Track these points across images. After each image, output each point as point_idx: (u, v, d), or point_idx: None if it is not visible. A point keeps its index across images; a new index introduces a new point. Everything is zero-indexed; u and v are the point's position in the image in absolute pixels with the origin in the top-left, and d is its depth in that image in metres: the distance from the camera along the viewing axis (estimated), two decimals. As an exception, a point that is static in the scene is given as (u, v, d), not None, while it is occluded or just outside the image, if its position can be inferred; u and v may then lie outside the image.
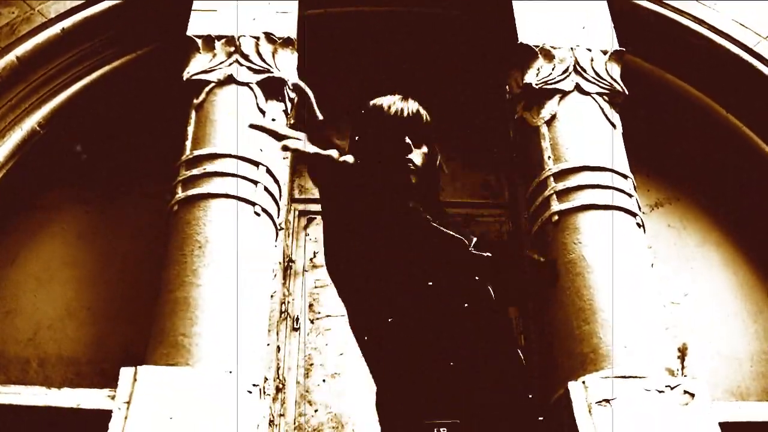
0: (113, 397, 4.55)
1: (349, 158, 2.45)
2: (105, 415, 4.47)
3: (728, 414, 4.90)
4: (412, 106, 2.65)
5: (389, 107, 2.64)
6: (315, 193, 6.23)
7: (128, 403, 4.44)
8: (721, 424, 4.53)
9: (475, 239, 2.56)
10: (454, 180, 6.57)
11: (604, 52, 5.95)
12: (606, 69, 5.89)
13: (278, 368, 5.57)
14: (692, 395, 4.55)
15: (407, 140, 2.57)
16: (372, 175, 2.56)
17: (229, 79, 5.62)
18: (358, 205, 2.46)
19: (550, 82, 5.79)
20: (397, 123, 2.60)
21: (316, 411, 5.60)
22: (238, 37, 5.76)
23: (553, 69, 5.84)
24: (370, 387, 2.31)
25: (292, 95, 5.84)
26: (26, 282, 5.93)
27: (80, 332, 5.73)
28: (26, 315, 5.80)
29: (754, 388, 5.90)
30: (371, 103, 2.72)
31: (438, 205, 2.72)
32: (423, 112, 2.67)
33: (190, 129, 5.51)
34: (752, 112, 6.44)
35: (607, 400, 4.48)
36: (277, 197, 5.50)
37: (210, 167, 5.24)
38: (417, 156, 2.59)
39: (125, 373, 4.59)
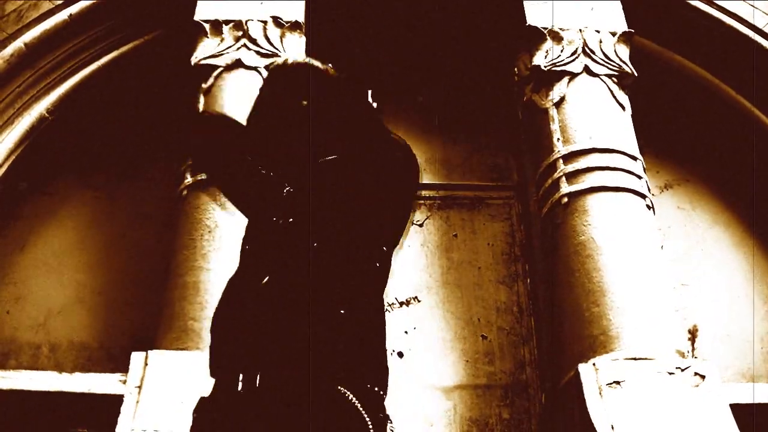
0: (125, 382, 4.57)
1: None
2: (116, 400, 4.49)
3: (739, 395, 4.89)
4: (313, 62, 2.53)
5: (288, 65, 2.53)
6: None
7: (139, 387, 4.45)
8: (732, 406, 4.53)
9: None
10: (462, 162, 6.56)
11: (613, 34, 5.92)
12: (615, 50, 5.86)
13: (288, 352, 5.58)
14: (703, 377, 4.55)
15: (304, 102, 2.44)
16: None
17: (237, 64, 5.61)
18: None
19: (558, 64, 5.77)
20: (297, 82, 2.48)
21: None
22: (246, 22, 5.74)
23: (561, 51, 5.82)
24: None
25: (301, 79, 5.82)
26: (36, 268, 5.94)
27: (91, 317, 5.75)
28: (37, 301, 5.81)
29: (765, 369, 5.89)
30: (273, 65, 2.63)
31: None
32: (316, 62, 2.53)
33: (199, 113, 5.51)
34: (762, 93, 6.40)
35: (618, 382, 4.48)
36: (288, 179, 5.49)
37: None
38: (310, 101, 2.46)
39: (136, 357, 4.61)
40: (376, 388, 2.09)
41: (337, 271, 2.21)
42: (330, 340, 2.07)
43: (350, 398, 1.98)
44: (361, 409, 1.98)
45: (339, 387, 1.99)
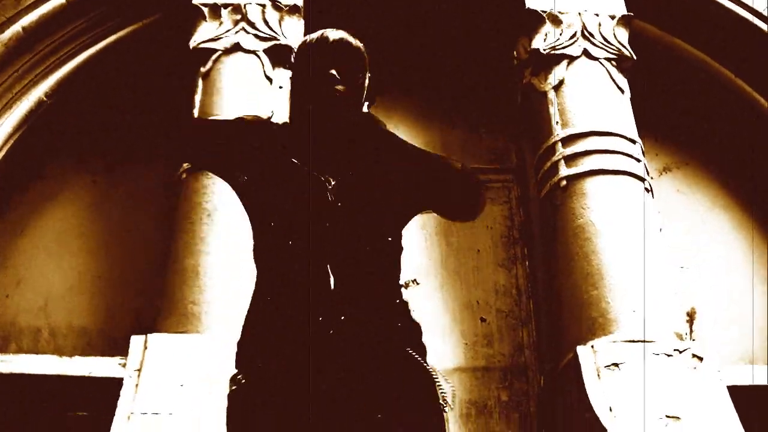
0: (124, 365, 4.58)
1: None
2: (116, 383, 4.50)
3: (737, 378, 4.91)
4: (337, 34, 2.53)
5: (316, 39, 2.53)
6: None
7: (139, 370, 4.47)
8: (730, 388, 4.55)
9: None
10: (461, 146, 6.55)
11: (612, 17, 5.92)
12: (614, 34, 5.86)
13: (288, 335, 5.59)
14: (701, 359, 4.57)
15: (332, 72, 2.43)
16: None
17: (236, 47, 5.61)
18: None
19: (557, 47, 5.77)
20: (324, 54, 2.48)
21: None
22: (245, 5, 5.74)
23: (560, 34, 5.82)
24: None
25: (300, 62, 5.82)
26: (36, 252, 5.95)
27: (90, 302, 5.75)
28: (36, 285, 5.82)
29: (764, 352, 5.90)
30: (301, 40, 2.61)
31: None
32: (353, 40, 2.54)
33: (198, 97, 5.51)
34: (761, 77, 6.40)
35: (616, 364, 4.50)
36: (284, 163, 5.50)
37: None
38: (345, 86, 2.46)
39: (136, 341, 4.62)
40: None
41: (385, 262, 2.41)
42: (393, 318, 2.33)
43: (418, 357, 2.27)
44: (426, 364, 2.27)
45: (408, 349, 2.27)
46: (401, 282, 2.45)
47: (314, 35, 2.53)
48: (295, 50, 2.60)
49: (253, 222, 2.48)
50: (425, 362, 2.29)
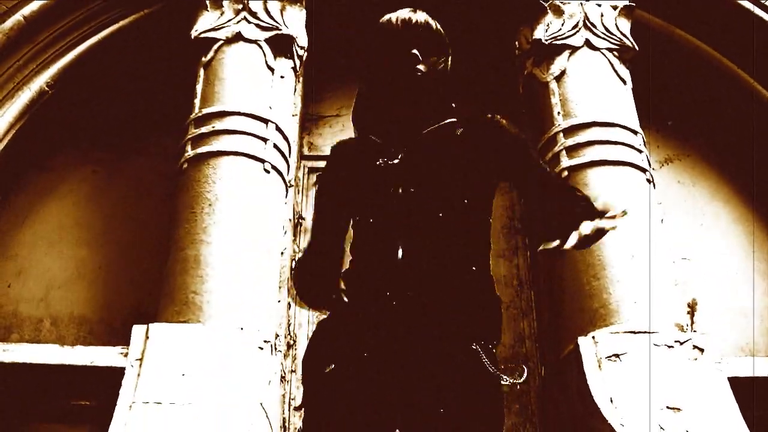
0: (126, 355, 4.59)
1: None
2: (118, 373, 4.51)
3: (738, 369, 4.91)
4: (419, 16, 2.54)
5: (395, 19, 2.53)
6: (325, 150, 6.22)
7: (141, 360, 4.47)
8: (731, 379, 4.55)
9: None
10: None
11: (614, 8, 5.91)
12: (616, 24, 5.85)
13: (289, 324, 5.60)
14: (701, 350, 4.57)
15: (414, 51, 2.45)
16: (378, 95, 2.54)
17: (238, 37, 5.61)
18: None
19: (559, 37, 5.76)
20: (404, 34, 2.48)
21: (327, 368, 5.62)
22: (246, -5, 5.74)
23: (562, 24, 5.81)
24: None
25: (301, 52, 5.82)
26: (37, 243, 5.95)
27: (91, 292, 5.76)
28: (38, 275, 5.82)
29: (764, 343, 5.90)
30: (380, 20, 2.60)
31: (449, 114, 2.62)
32: (432, 21, 2.56)
33: (199, 87, 5.51)
34: (762, 67, 6.39)
35: (617, 355, 4.50)
36: (287, 154, 5.51)
37: (219, 125, 5.25)
38: (426, 66, 2.48)
39: (137, 330, 4.63)
40: (494, 343, 2.31)
41: (462, 237, 2.41)
42: (464, 302, 2.29)
43: (482, 356, 2.20)
44: (490, 366, 2.20)
45: (473, 345, 2.22)
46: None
47: (394, 15, 2.54)
48: (374, 29, 2.58)
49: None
50: (486, 359, 2.21)
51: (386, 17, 2.56)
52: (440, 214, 2.35)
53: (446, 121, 2.53)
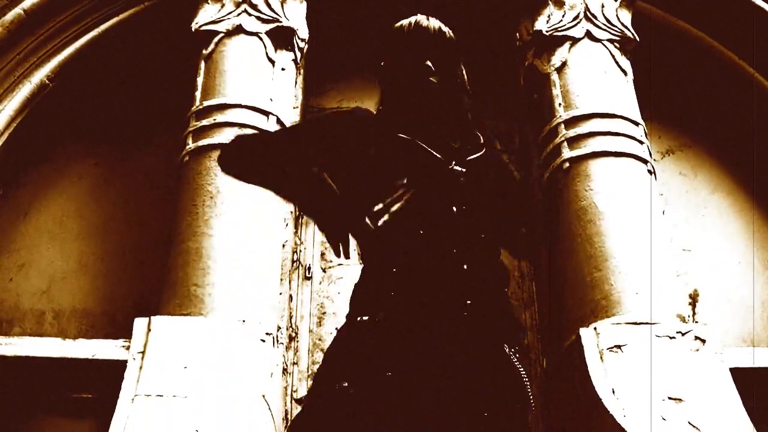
0: (128, 348, 4.59)
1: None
2: (120, 366, 4.52)
3: (739, 360, 4.91)
4: (433, 23, 2.52)
5: (408, 27, 2.51)
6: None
7: (143, 353, 4.48)
8: (732, 370, 4.56)
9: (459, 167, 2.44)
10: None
11: (615, -1, 5.91)
12: (617, 15, 5.85)
13: (291, 317, 5.60)
14: (703, 341, 4.57)
15: (428, 63, 2.43)
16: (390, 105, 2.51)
17: (238, 29, 5.60)
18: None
19: (560, 29, 5.76)
20: (417, 43, 2.47)
21: (328, 360, 5.62)
22: (247, -13, 5.73)
23: (563, 16, 5.80)
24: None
25: (302, 44, 5.82)
26: (39, 236, 5.95)
27: (94, 284, 5.76)
28: (40, 268, 5.83)
29: (765, 334, 5.91)
30: (394, 26, 2.59)
31: (468, 128, 2.59)
32: (446, 29, 2.54)
33: (200, 80, 5.51)
34: (763, 58, 6.38)
35: (619, 346, 4.50)
36: (288, 147, 5.50)
37: (220, 117, 5.25)
38: (440, 78, 2.46)
39: (139, 323, 4.63)
40: (517, 348, 2.38)
41: (497, 254, 2.45)
42: (499, 310, 2.35)
43: (513, 357, 2.32)
44: (520, 367, 2.34)
45: (505, 346, 2.31)
46: None
47: (407, 21, 2.53)
48: (387, 35, 2.57)
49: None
50: (521, 367, 2.33)
51: (399, 24, 2.55)
52: (483, 234, 2.38)
53: (482, 152, 2.53)
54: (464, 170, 2.41)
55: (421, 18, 2.53)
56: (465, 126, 2.56)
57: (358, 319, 2.25)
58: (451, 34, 2.54)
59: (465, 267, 2.27)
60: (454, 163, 2.41)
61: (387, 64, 2.54)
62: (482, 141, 2.58)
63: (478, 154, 2.49)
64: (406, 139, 2.40)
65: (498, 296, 2.36)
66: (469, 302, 2.23)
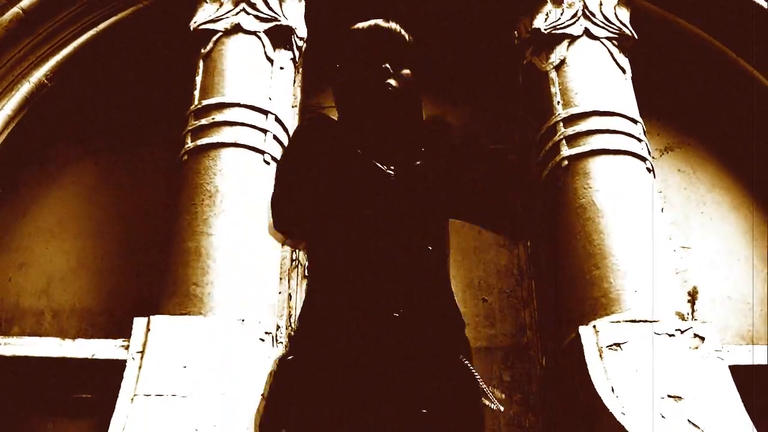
0: (127, 347, 4.60)
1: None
2: (119, 365, 4.52)
3: (739, 357, 4.91)
4: (392, 26, 2.50)
5: (366, 29, 2.50)
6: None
7: (142, 352, 4.48)
8: (732, 368, 4.56)
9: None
10: (463, 126, 6.54)
11: (614, -4, 5.92)
12: (615, 13, 5.85)
13: (290, 316, 5.60)
14: (702, 339, 4.57)
15: (386, 65, 2.42)
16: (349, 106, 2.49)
17: (237, 28, 5.60)
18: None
19: (558, 26, 5.76)
20: (375, 45, 2.45)
21: (328, 359, 5.62)
22: (245, -15, 5.73)
23: (561, 13, 5.81)
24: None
25: (300, 43, 5.82)
26: (38, 235, 5.95)
27: (93, 284, 5.76)
28: (39, 267, 5.83)
29: (764, 332, 5.91)
30: (350, 27, 2.58)
31: (421, 132, 2.57)
32: (404, 33, 2.52)
33: (198, 79, 5.51)
34: (762, 55, 6.38)
35: (618, 344, 4.51)
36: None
37: (219, 117, 5.25)
38: (397, 81, 2.44)
39: (138, 323, 4.63)
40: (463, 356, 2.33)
41: (440, 254, 2.43)
42: (451, 323, 2.34)
43: (470, 366, 2.28)
44: (477, 374, 2.28)
45: (461, 357, 2.28)
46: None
47: (365, 23, 2.51)
48: (344, 37, 2.55)
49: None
50: (473, 367, 2.29)
51: (357, 26, 2.54)
52: (424, 234, 2.36)
53: (425, 150, 2.50)
54: (410, 174, 2.40)
55: (380, 20, 2.51)
56: (419, 129, 2.55)
57: (289, 357, 2.22)
58: (410, 37, 2.52)
59: (399, 284, 2.25)
60: (398, 169, 2.39)
61: (343, 66, 2.51)
62: (431, 144, 2.55)
63: (422, 160, 2.47)
64: (355, 151, 2.38)
65: (443, 302, 2.35)
66: (398, 314, 2.20)
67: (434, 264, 2.37)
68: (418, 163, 2.44)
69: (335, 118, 2.56)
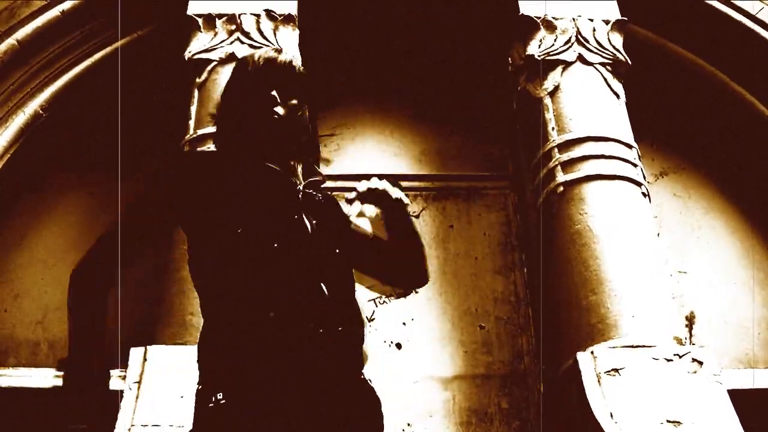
0: (124, 378, 4.58)
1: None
2: (116, 395, 4.51)
3: (737, 381, 4.91)
4: (283, 56, 2.46)
5: (257, 58, 2.47)
6: (321, 168, 6.23)
7: (139, 383, 4.46)
8: (731, 392, 4.54)
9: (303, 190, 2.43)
10: (457, 153, 6.56)
11: (606, 22, 5.92)
12: (608, 39, 5.87)
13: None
14: (701, 363, 4.56)
15: (273, 93, 2.39)
16: (234, 140, 2.46)
17: (231, 58, 5.61)
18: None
19: (552, 53, 5.77)
20: (265, 75, 2.42)
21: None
22: (239, 15, 5.74)
23: (555, 40, 5.82)
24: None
25: (295, 72, 5.83)
26: (33, 265, 5.94)
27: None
28: (34, 298, 5.82)
29: (762, 355, 5.91)
30: (243, 57, 2.55)
31: (313, 171, 2.56)
32: (297, 63, 2.48)
33: (193, 108, 5.51)
34: (755, 80, 6.41)
35: (616, 370, 4.49)
36: (281, 174, 5.51)
37: (214, 147, 5.24)
38: (285, 110, 2.41)
39: (135, 353, 4.62)
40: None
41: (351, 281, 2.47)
42: (352, 345, 2.29)
43: (371, 382, 2.32)
44: (375, 390, 2.32)
45: (363, 375, 2.31)
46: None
47: (258, 53, 2.49)
48: (237, 63, 2.55)
49: (210, 234, 2.33)
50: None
51: (250, 54, 2.52)
52: (334, 254, 2.40)
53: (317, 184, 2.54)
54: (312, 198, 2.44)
55: (271, 51, 2.50)
56: (306, 161, 2.55)
57: (209, 405, 2.12)
58: (302, 69, 2.49)
59: (325, 292, 2.26)
60: (300, 191, 2.42)
61: (231, 95, 2.49)
62: (322, 177, 2.58)
63: (317, 189, 2.52)
64: (265, 167, 2.39)
65: (356, 321, 2.35)
66: (339, 329, 2.23)
67: (349, 288, 2.42)
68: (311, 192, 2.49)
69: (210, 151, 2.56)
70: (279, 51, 2.51)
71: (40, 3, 5.95)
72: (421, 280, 2.66)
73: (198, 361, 2.28)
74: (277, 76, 2.43)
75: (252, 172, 2.37)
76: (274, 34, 5.74)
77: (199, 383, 2.22)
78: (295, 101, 2.44)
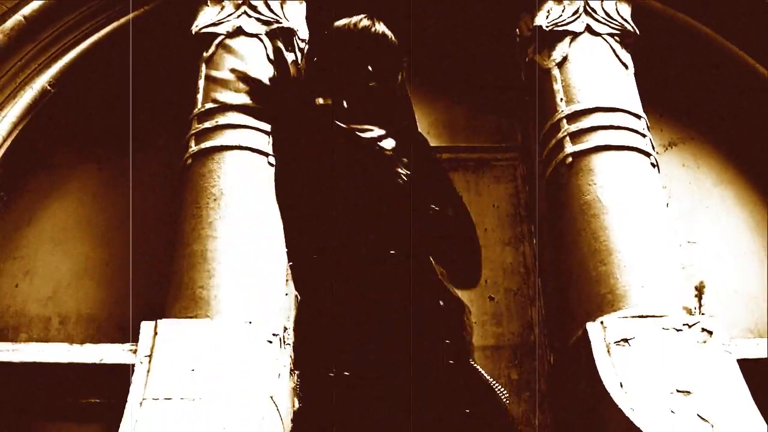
0: (135, 351, 4.60)
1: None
2: (127, 369, 4.53)
3: (747, 351, 4.90)
4: (378, 27, 2.44)
5: (352, 27, 2.43)
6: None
7: (150, 356, 4.48)
8: (740, 361, 4.54)
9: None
10: (466, 125, 6.54)
11: (614, -8, 5.91)
12: (616, 9, 5.84)
13: (297, 317, 5.59)
14: (710, 333, 4.56)
15: (369, 68, 2.36)
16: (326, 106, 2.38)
17: (238, 31, 5.60)
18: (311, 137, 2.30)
19: (560, 23, 5.75)
20: (359, 45, 2.40)
21: (335, 360, 5.61)
22: (246, -12, 5.73)
23: (563, 11, 5.80)
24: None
25: (302, 45, 5.82)
26: (43, 242, 5.95)
27: (99, 289, 5.76)
28: (45, 274, 5.83)
29: (773, 325, 5.90)
30: (335, 24, 2.49)
31: (413, 138, 2.45)
32: (390, 34, 2.45)
33: (201, 82, 5.51)
34: (765, 50, 6.36)
35: (626, 340, 4.50)
36: (291, 147, 5.50)
37: (222, 120, 5.25)
38: (379, 83, 2.39)
39: (146, 327, 4.63)
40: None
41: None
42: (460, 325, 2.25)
43: (480, 370, 2.25)
44: (489, 377, 2.27)
45: (471, 361, 2.24)
46: None
47: (351, 21, 2.45)
48: (329, 33, 2.48)
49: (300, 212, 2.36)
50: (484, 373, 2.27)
51: (342, 23, 2.47)
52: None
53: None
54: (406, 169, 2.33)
55: (366, 20, 2.46)
56: (402, 133, 2.45)
57: (330, 374, 2.07)
58: (395, 39, 2.46)
59: (436, 271, 2.23)
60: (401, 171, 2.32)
61: (323, 64, 2.45)
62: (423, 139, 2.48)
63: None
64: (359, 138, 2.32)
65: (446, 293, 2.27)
66: (441, 303, 2.19)
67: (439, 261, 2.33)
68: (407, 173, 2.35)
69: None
70: (373, 20, 2.47)
71: (47, -22, 5.94)
72: (476, 279, 2.55)
73: (296, 340, 2.27)
74: (372, 48, 2.41)
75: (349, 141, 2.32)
76: (282, 8, 5.73)
77: (301, 363, 2.22)
78: (390, 73, 2.42)
